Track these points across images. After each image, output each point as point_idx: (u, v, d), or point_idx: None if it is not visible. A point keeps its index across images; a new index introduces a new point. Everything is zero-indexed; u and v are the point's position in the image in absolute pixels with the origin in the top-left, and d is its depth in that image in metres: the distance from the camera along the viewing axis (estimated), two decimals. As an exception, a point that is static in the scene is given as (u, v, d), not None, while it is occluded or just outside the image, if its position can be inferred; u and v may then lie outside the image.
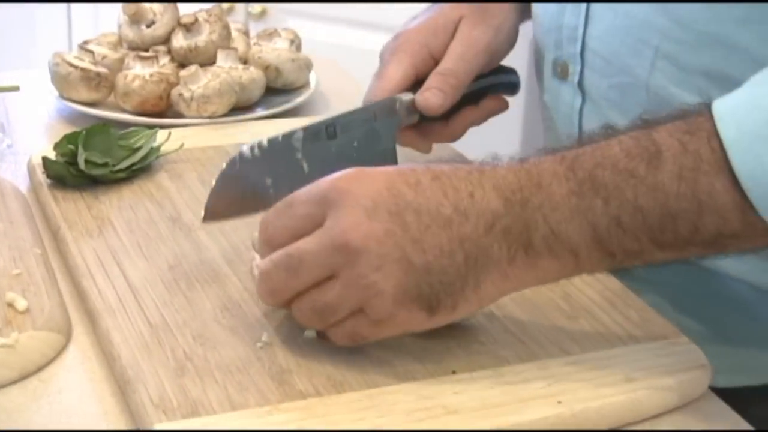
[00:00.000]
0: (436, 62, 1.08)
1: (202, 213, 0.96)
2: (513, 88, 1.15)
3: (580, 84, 1.05)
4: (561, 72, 1.06)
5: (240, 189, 0.95)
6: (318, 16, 2.59)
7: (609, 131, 0.82)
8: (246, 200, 0.94)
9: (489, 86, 1.12)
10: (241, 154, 0.97)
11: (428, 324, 0.81)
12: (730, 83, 0.86)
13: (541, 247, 0.79)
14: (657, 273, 0.85)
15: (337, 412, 0.77)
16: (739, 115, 0.77)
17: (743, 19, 0.91)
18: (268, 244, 0.82)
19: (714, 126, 0.78)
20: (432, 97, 1.05)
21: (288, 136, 1.00)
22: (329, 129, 1.02)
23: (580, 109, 1.05)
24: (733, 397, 0.86)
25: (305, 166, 1.00)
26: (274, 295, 0.82)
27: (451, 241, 0.79)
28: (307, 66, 1.37)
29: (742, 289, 0.99)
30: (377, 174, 0.81)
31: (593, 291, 0.93)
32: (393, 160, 1.04)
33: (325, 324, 0.81)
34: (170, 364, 0.81)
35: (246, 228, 1.00)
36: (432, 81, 1.06)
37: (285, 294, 0.81)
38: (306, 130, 1.01)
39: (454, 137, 1.13)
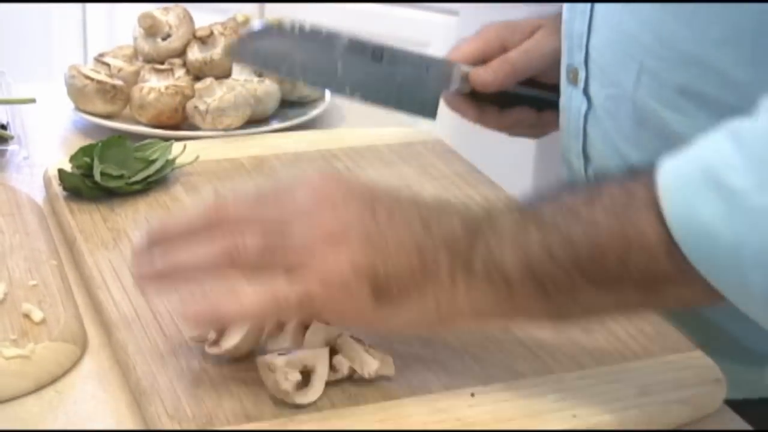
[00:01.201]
0: None
1: (234, 50, 1.11)
2: None
3: (585, 91, 1.08)
4: (573, 77, 1.10)
5: (270, 48, 1.07)
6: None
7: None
8: (272, 60, 1.07)
9: (555, 101, 1.15)
10: (281, 25, 1.05)
11: (371, 313, 0.80)
12: (705, 102, 0.93)
13: (479, 269, 0.80)
14: None
15: (352, 425, 0.77)
16: (676, 161, 0.78)
17: (721, 40, 0.93)
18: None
19: (654, 172, 0.78)
20: (483, 73, 1.14)
21: (332, 36, 1.08)
22: (376, 52, 1.10)
23: (586, 115, 1.09)
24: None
25: (339, 67, 1.09)
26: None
27: (410, 243, 0.80)
28: (322, 79, 1.37)
29: None
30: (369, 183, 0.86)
31: (608, 305, 0.93)
32: (432, 113, 1.14)
33: (264, 271, 0.80)
34: (185, 376, 0.81)
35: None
36: (491, 62, 1.15)
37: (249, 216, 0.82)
38: (351, 40, 1.09)
39: (500, 127, 1.20)
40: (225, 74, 1.32)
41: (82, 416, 0.80)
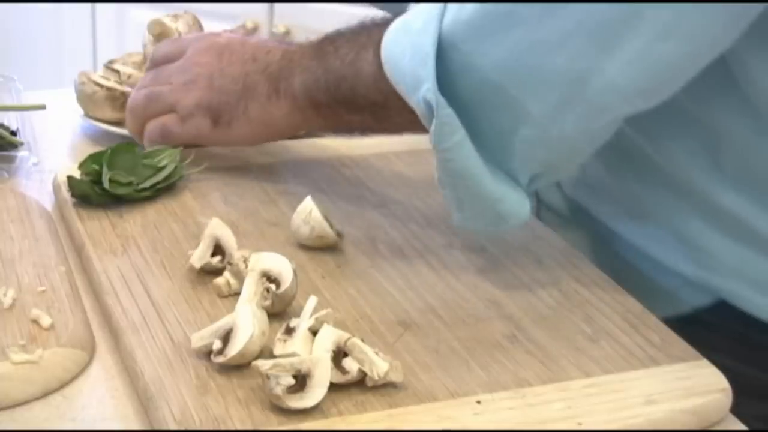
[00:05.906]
0: None
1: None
2: None
3: None
4: None
5: None
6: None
7: None
8: None
9: None
10: None
11: (212, 133, 1.14)
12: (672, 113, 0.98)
13: (281, 90, 1.09)
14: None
15: (358, 432, 0.78)
16: (411, 10, 0.96)
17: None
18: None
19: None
20: None
21: None
22: None
23: None
24: None
25: None
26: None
27: (240, 74, 1.12)
28: (331, 87, 1.37)
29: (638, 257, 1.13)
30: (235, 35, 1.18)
31: (614, 313, 0.93)
32: None
33: (147, 113, 1.16)
34: (193, 382, 0.82)
35: (269, 249, 1.00)
36: None
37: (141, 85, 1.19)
38: None
39: None
40: (234, 81, 1.32)
41: (90, 422, 0.80)
